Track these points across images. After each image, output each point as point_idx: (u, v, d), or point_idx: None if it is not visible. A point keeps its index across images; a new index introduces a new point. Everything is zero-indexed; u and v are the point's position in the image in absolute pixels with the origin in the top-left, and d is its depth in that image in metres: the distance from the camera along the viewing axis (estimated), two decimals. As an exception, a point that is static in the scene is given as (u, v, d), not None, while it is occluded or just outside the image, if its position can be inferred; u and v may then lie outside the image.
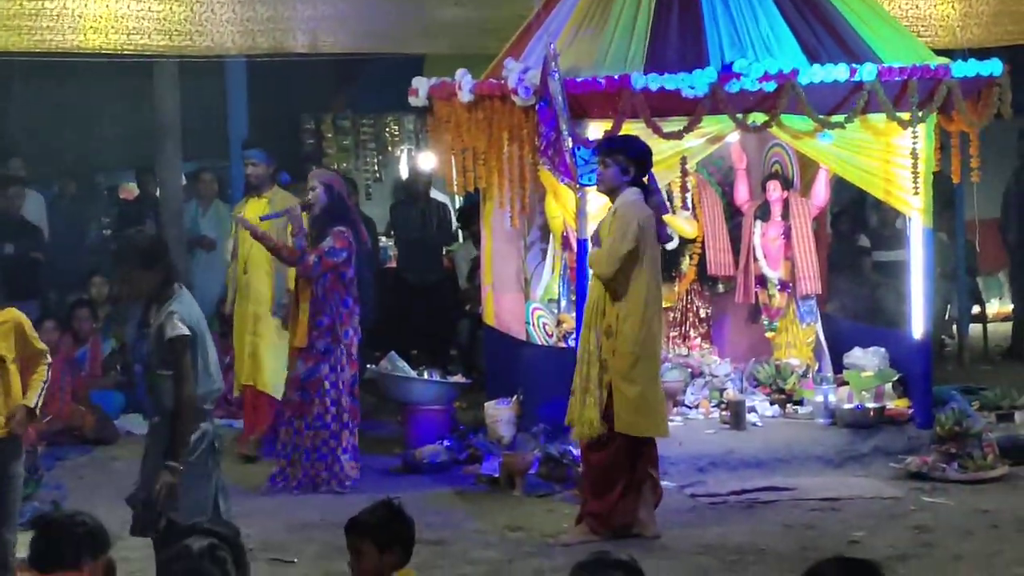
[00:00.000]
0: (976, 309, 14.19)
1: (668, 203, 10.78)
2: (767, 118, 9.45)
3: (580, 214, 9.50)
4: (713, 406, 10.46)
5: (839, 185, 11.42)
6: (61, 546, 5.16)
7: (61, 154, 14.27)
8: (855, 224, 13.77)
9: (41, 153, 13.62)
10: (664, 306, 10.91)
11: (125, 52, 11.50)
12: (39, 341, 7.50)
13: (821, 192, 10.79)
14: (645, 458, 8.42)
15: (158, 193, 13.29)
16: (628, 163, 8.29)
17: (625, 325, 8.21)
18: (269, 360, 10.44)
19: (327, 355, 9.59)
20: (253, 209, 10.51)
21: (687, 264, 11.00)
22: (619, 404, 8.23)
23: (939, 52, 10.43)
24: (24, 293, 12.25)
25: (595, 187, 8.64)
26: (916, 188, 9.71)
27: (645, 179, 8.36)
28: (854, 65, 9.48)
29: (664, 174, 9.79)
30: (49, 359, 7.52)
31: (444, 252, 13.75)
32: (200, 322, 6.75)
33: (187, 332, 6.62)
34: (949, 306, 13.81)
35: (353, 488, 9.49)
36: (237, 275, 10.67)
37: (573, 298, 10.12)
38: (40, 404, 7.42)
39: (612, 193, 8.39)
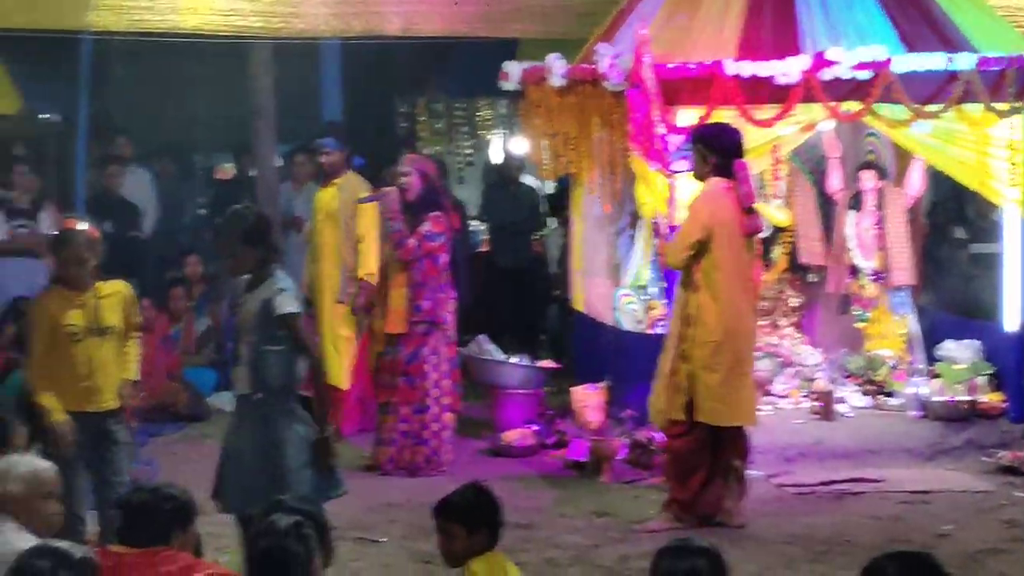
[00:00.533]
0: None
1: (760, 191, 10.75)
2: (861, 107, 9.36)
3: (671, 201, 9.47)
4: (802, 396, 10.40)
5: (938, 176, 11.30)
6: (149, 522, 5.24)
7: (159, 134, 14.42)
8: (952, 216, 13.60)
9: (139, 133, 13.77)
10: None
11: (221, 33, 11.60)
12: (138, 314, 7.66)
13: (916, 182, 10.68)
14: (729, 447, 8.38)
15: (253, 174, 13.40)
16: (707, 152, 8.28)
17: (704, 314, 8.20)
18: (332, 351, 10.49)
19: (427, 339, 9.64)
20: (325, 197, 10.62)
21: (778, 253, 10.93)
22: (700, 392, 8.22)
23: (1039, 42, 10.28)
24: (122, 271, 12.43)
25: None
26: (1013, 179, 9.59)
27: (731, 168, 8.28)
28: (950, 54, 9.38)
29: (756, 162, 9.74)
30: (140, 333, 7.66)
31: (535, 237, 13.75)
32: (299, 302, 6.94)
33: (298, 310, 6.80)
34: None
35: (444, 474, 9.52)
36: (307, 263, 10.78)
37: (662, 285, 10.10)
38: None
39: (702, 181, 8.39)
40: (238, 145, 14.04)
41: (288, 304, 6.74)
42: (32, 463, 5.58)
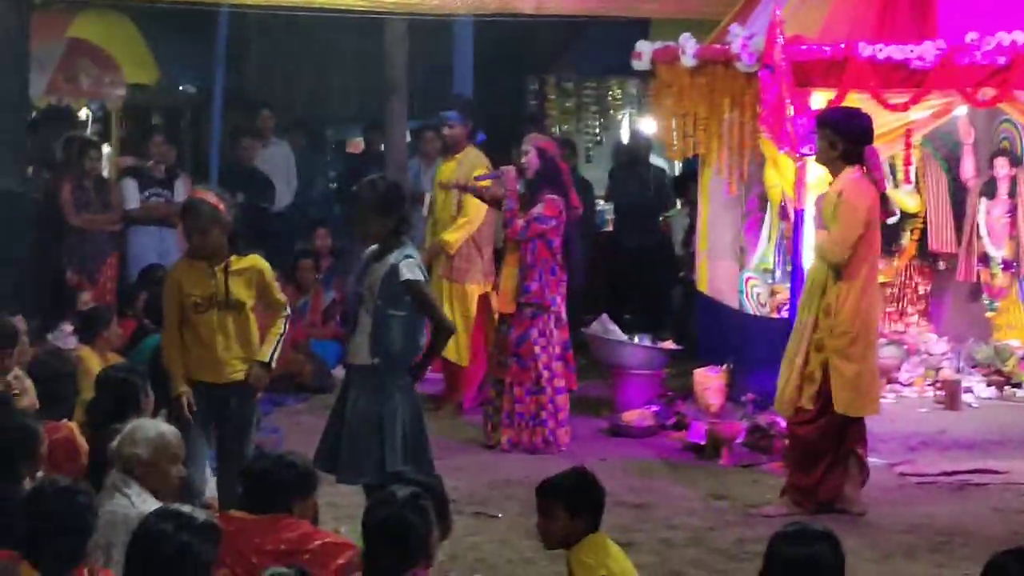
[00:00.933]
0: None
1: (892, 176, 10.64)
2: (997, 93, 9.20)
3: (799, 184, 9.40)
4: (927, 384, 10.28)
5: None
6: (271, 489, 5.34)
7: (292, 107, 14.59)
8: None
9: (273, 106, 13.94)
10: (882, 281, 10.81)
11: (356, 8, 11.71)
12: (279, 292, 7.53)
13: (1051, 170, 10.50)
14: (851, 435, 8.32)
15: (383, 149, 13.52)
16: (836, 138, 8.12)
17: (845, 304, 8.10)
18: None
19: (535, 321, 9.67)
20: (445, 171, 10.68)
21: (908, 239, 10.81)
22: (836, 383, 8.12)
23: None
24: (253, 243, 12.61)
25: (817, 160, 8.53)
26: None
27: (861, 155, 8.13)
28: (1094, 39, 9.18)
29: (888, 147, 9.63)
30: (288, 311, 7.52)
31: (661, 218, 13.72)
32: (423, 272, 7.08)
33: (423, 277, 7.01)
34: None
35: (562, 453, 9.55)
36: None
37: (788, 268, 10.03)
38: (276, 357, 7.44)
39: (828, 166, 8.27)
40: (369, 120, 14.16)
41: (412, 271, 6.92)
42: (158, 427, 5.70)
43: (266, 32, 14.60)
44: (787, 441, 8.71)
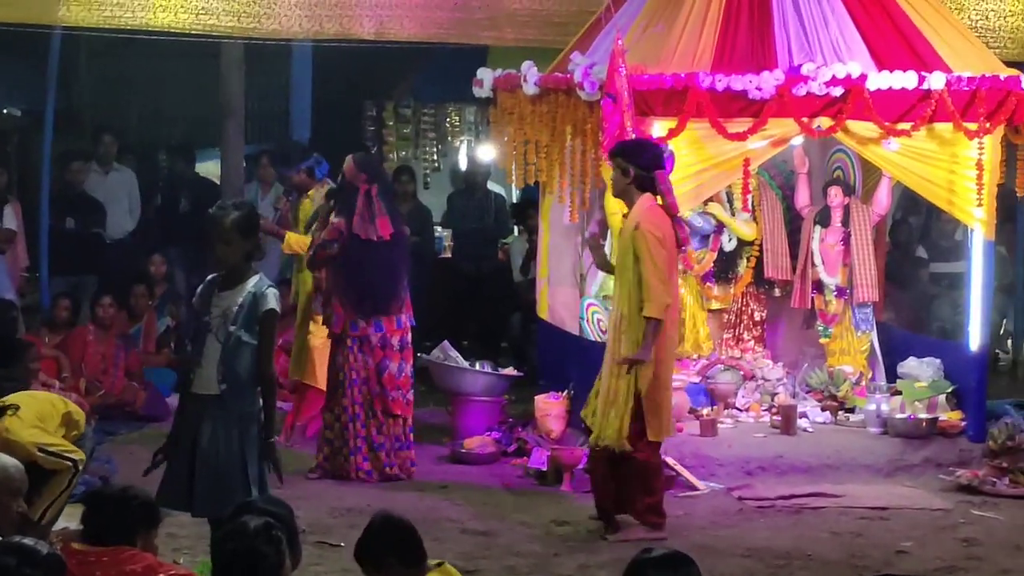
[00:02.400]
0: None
1: (729, 204, 10.79)
2: (832, 123, 9.40)
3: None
4: (764, 410, 10.43)
5: (899, 195, 11.35)
6: (115, 521, 5.21)
7: (126, 131, 14.33)
8: (913, 234, 13.68)
9: (104, 130, 13.66)
10: (719, 307, 10.96)
11: (193, 32, 11.55)
12: (52, 463, 7.38)
13: (883, 199, 10.72)
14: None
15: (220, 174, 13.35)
16: (627, 165, 8.27)
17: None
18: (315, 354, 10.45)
19: (339, 347, 9.61)
20: (303, 209, 10.61)
21: (744, 266, 10.96)
22: (649, 409, 8.28)
23: (1008, 64, 10.34)
24: (84, 268, 12.37)
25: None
26: (980, 200, 9.65)
27: (653, 181, 8.29)
28: (923, 73, 9.43)
29: (726, 175, 9.77)
30: (71, 468, 7.43)
31: (499, 244, 13.74)
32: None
33: (278, 310, 6.87)
34: (1004, 320, 13.70)
35: (369, 478, 9.51)
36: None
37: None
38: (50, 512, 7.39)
39: (623, 197, 8.39)
40: (203, 145, 13.98)
41: (276, 302, 6.84)
42: (1, 460, 5.53)
43: (99, 55, 14.34)
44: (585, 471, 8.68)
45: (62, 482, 7.37)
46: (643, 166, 8.27)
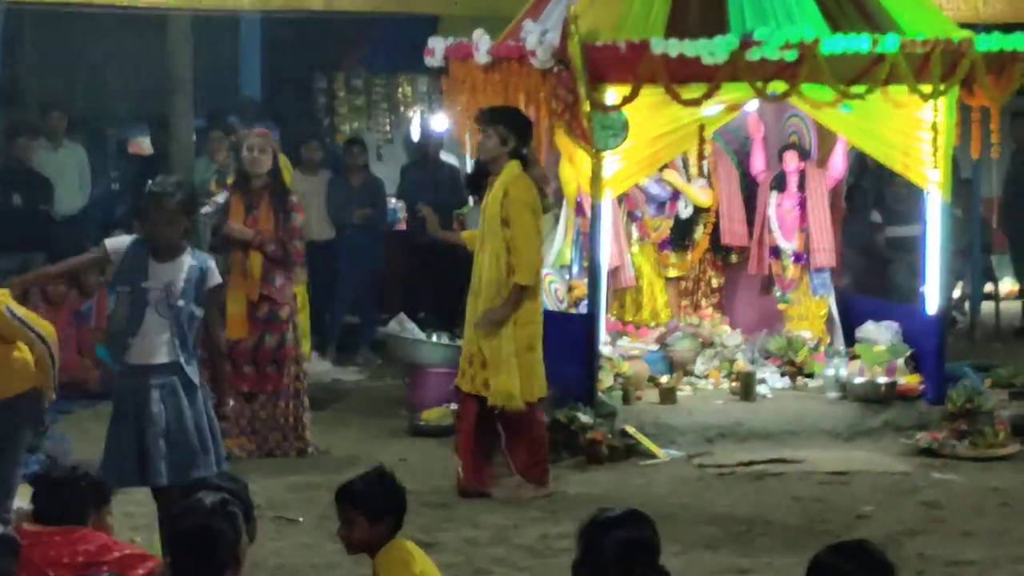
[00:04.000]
0: (989, 287, 14.11)
1: (685, 171, 10.75)
2: (787, 87, 9.36)
3: (595, 179, 9.44)
4: (723, 377, 10.40)
5: (854, 159, 11.34)
6: (65, 501, 5.16)
7: (72, 106, 14.15)
8: (869, 199, 13.69)
9: (52, 105, 13.49)
10: (677, 275, 10.92)
11: (139, 4, 11.42)
12: (17, 330, 7.02)
13: (838, 164, 10.71)
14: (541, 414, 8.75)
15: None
16: (507, 133, 8.40)
17: (528, 295, 8.45)
18: None
19: None
20: None
21: (700, 233, 10.91)
22: (524, 372, 8.48)
23: (961, 26, 10.33)
24: (32, 245, 12.22)
25: (479, 156, 8.72)
26: (936, 162, 9.64)
27: (525, 151, 8.46)
28: (876, 36, 9.39)
29: (681, 142, 9.73)
30: (42, 345, 7.06)
31: (454, 215, 13.64)
32: None
33: (223, 283, 7.09)
34: (961, 283, 13.74)
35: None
36: None
37: (586, 264, 10.05)
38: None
39: (492, 163, 8.47)
40: (155, 119, 13.83)
41: (219, 276, 6.96)
42: None
43: (42, 27, 14.15)
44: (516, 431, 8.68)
45: (44, 361, 7.07)
46: (521, 137, 8.45)
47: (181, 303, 6.75)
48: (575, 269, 10.50)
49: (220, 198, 9.48)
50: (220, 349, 7.20)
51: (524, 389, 8.46)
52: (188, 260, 6.81)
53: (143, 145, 14.94)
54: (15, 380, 7.01)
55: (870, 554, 4.04)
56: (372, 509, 5.17)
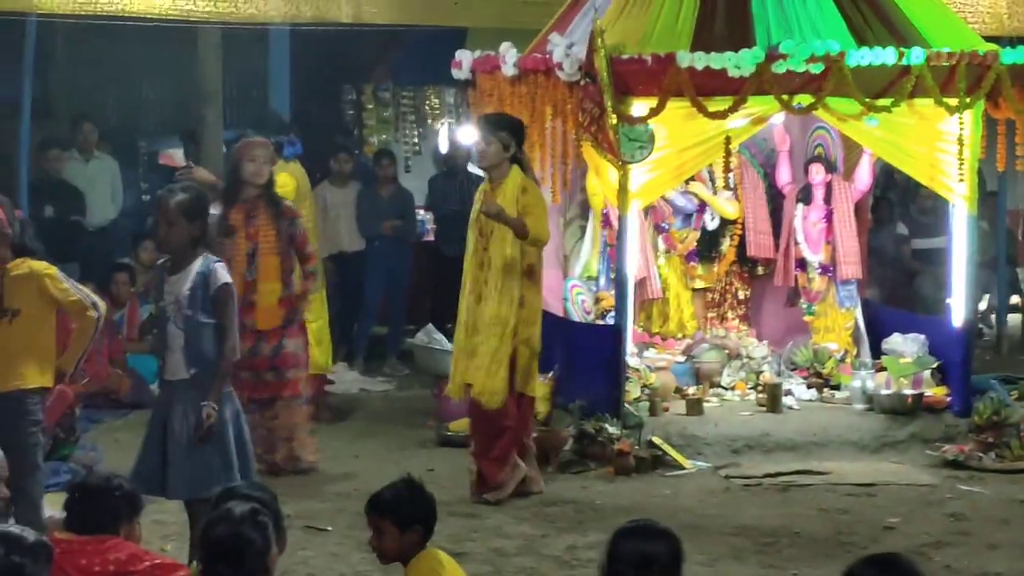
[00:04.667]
0: (1015, 299, 14.09)
1: (711, 183, 10.78)
2: (813, 100, 9.39)
3: (622, 191, 9.49)
4: (749, 388, 10.43)
5: (880, 172, 11.35)
6: (98, 510, 5.20)
7: (104, 118, 14.24)
8: (894, 211, 13.70)
9: (83, 117, 13.57)
10: (703, 287, 10.95)
11: (170, 17, 11.51)
12: (71, 294, 7.18)
13: (864, 176, 10.73)
14: (528, 415, 8.93)
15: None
16: (509, 139, 8.61)
17: (530, 295, 8.68)
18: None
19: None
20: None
21: (727, 245, 10.94)
22: (527, 369, 8.68)
23: (986, 39, 10.35)
24: (64, 255, 12.30)
25: (477, 164, 9.02)
26: (962, 175, 9.66)
27: (520, 155, 8.71)
28: (902, 48, 9.42)
29: (707, 154, 9.77)
30: (95, 312, 7.19)
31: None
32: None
33: (231, 282, 6.88)
34: (988, 295, 13.72)
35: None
36: None
37: (612, 276, 10.10)
38: (80, 363, 7.37)
39: (493, 170, 8.68)
40: (187, 131, 13.92)
41: (221, 277, 6.83)
42: None
43: (75, 41, 14.25)
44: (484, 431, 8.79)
45: (87, 331, 7.22)
46: (520, 143, 8.71)
47: (190, 312, 6.76)
48: (602, 281, 10.54)
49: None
50: (226, 350, 6.83)
51: (520, 383, 8.66)
52: (196, 268, 6.80)
53: (175, 157, 15.03)
54: (23, 373, 7.11)
55: (902, 566, 4.07)
56: (401, 518, 5.21)
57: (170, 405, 6.89)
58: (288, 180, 10.42)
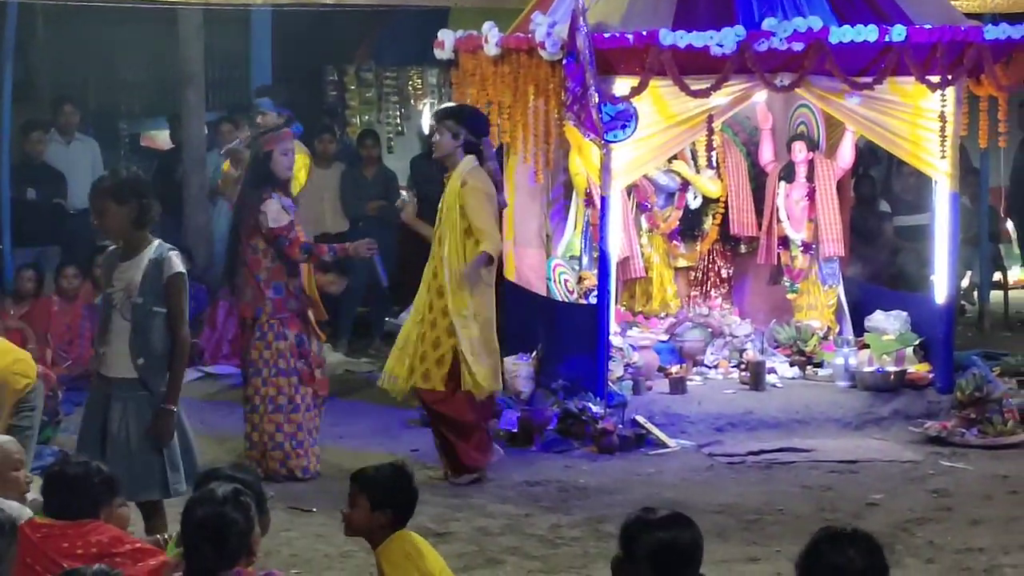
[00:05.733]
0: (997, 276, 14.12)
1: (694, 162, 10.78)
2: (795, 78, 9.39)
3: (604, 170, 9.49)
4: (732, 366, 10.45)
5: (861, 149, 11.36)
6: (76, 496, 5.18)
7: (84, 101, 14.20)
8: (877, 188, 13.70)
9: (64, 99, 13.52)
10: (686, 265, 10.96)
11: (149, -1, 11.48)
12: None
13: (847, 154, 10.73)
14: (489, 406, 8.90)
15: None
16: (459, 129, 8.59)
17: (475, 292, 8.56)
18: None
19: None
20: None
21: (710, 224, 10.96)
22: (465, 365, 8.55)
23: (968, 16, 10.35)
24: (46, 238, 12.28)
25: (435, 154, 8.85)
26: (943, 152, 9.67)
27: (482, 147, 8.62)
28: (884, 26, 9.42)
29: (690, 133, 9.76)
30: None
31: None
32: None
33: (184, 271, 6.67)
34: (969, 272, 13.75)
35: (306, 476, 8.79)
36: None
37: (595, 255, 10.10)
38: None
39: (447, 160, 8.68)
40: (163, 112, 13.90)
41: (174, 266, 6.63)
42: None
43: (54, 22, 14.19)
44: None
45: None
46: (473, 131, 8.60)
47: (140, 300, 6.56)
48: (585, 260, 10.54)
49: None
50: (178, 341, 6.63)
51: (466, 381, 8.55)
52: (148, 255, 6.61)
53: (156, 139, 15.00)
54: None
55: (863, 542, 4.05)
56: (376, 497, 5.21)
57: (107, 402, 6.66)
58: (306, 161, 10.40)
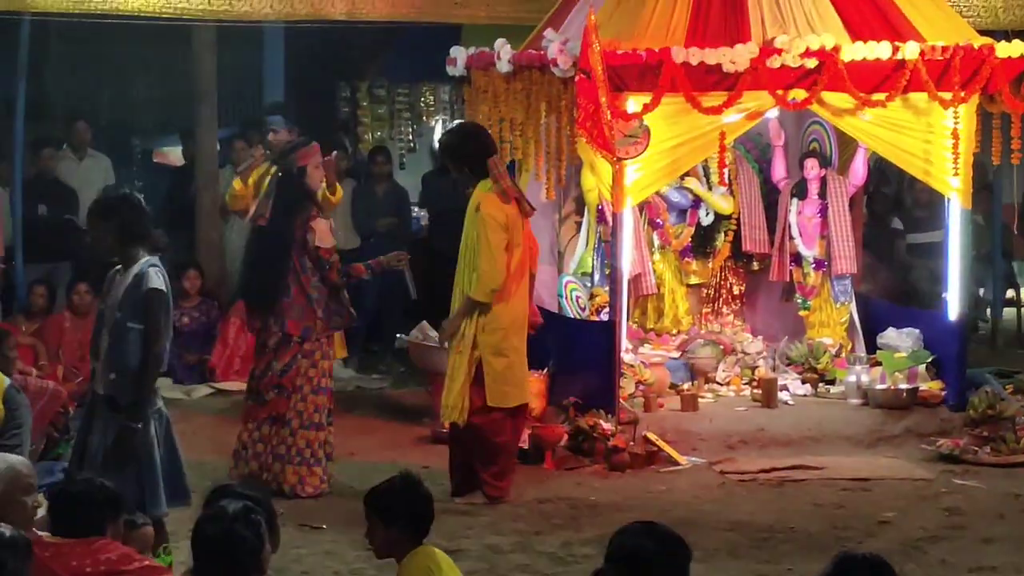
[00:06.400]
0: (1010, 293, 14.09)
1: (706, 179, 10.78)
2: (807, 95, 9.39)
3: (617, 187, 9.49)
4: (744, 383, 10.43)
5: (874, 166, 11.35)
6: (82, 514, 5.16)
7: (97, 117, 14.23)
8: (889, 205, 13.69)
9: (77, 116, 13.56)
10: (697, 282, 10.96)
11: (163, 15, 11.50)
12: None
13: (859, 171, 10.73)
14: (521, 424, 8.78)
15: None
16: (457, 159, 8.61)
17: (495, 303, 8.46)
18: None
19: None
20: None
21: (722, 241, 10.95)
22: (489, 377, 8.46)
23: (982, 33, 10.34)
24: (58, 255, 12.30)
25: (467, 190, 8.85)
26: (956, 169, 9.66)
27: (486, 167, 8.51)
28: (897, 43, 9.42)
29: (702, 150, 9.76)
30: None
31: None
32: (169, 291, 6.67)
33: (164, 288, 6.58)
34: (982, 289, 13.72)
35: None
36: None
37: (607, 271, 10.09)
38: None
39: (464, 184, 8.79)
40: (176, 129, 13.91)
41: (159, 280, 6.55)
42: (6, 459, 5.46)
43: (67, 39, 14.24)
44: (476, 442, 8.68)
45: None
46: (470, 156, 8.53)
47: (119, 315, 6.53)
48: (597, 277, 10.54)
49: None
50: (149, 357, 6.52)
51: (492, 395, 8.49)
52: (135, 269, 6.58)
53: (169, 156, 15.02)
54: None
55: (878, 567, 4.04)
56: (385, 513, 5.20)
57: (90, 420, 6.65)
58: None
